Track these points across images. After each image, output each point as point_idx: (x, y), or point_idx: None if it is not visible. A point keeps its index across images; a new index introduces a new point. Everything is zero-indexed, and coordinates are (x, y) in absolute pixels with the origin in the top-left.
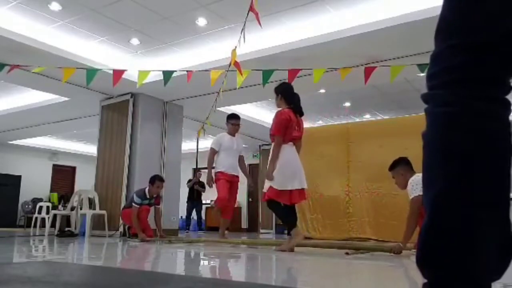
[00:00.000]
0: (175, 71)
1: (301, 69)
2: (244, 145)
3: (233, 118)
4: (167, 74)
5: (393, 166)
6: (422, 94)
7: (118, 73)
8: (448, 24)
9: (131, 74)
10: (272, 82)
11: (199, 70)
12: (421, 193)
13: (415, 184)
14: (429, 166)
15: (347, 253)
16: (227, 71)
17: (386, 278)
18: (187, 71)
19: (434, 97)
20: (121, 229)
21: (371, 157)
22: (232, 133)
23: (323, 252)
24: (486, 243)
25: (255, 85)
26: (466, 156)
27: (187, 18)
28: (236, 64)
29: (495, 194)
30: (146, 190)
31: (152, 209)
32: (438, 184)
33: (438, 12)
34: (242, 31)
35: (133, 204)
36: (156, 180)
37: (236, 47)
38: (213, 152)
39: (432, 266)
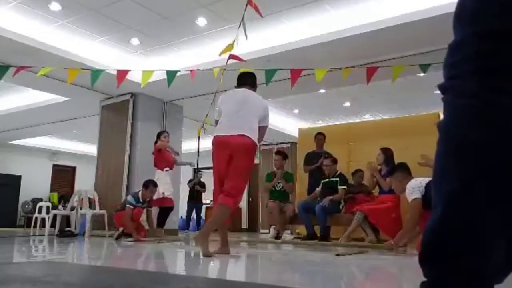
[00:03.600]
0: (179, 71)
1: (304, 69)
2: None
3: None
4: (171, 75)
5: (392, 172)
6: (440, 84)
7: (122, 74)
8: (474, 8)
9: (131, 74)
10: (275, 81)
11: (202, 70)
12: (418, 196)
13: (412, 187)
14: (444, 157)
15: (337, 255)
16: (225, 69)
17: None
18: (190, 70)
19: (454, 87)
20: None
21: (372, 157)
22: None
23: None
24: (497, 244)
25: None
26: (487, 152)
27: (187, 18)
28: (234, 56)
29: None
30: (140, 193)
31: (144, 210)
32: (453, 178)
33: (438, 12)
34: (240, 25)
35: (127, 205)
36: (150, 185)
37: (234, 41)
38: None
39: (438, 265)
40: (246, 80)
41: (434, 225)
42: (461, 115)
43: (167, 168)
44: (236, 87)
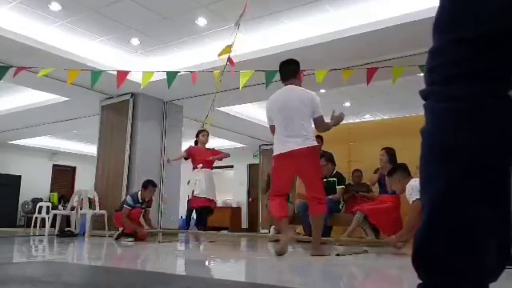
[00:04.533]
0: (179, 72)
1: (305, 70)
2: (244, 145)
3: None
4: (171, 76)
5: (392, 173)
6: (421, 90)
7: (122, 75)
8: (450, 16)
9: (131, 74)
10: (276, 81)
11: (202, 71)
12: (418, 196)
13: (412, 188)
14: (428, 161)
15: (337, 255)
16: (224, 70)
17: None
18: (191, 72)
19: (435, 92)
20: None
21: (372, 157)
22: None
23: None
24: (486, 244)
25: (255, 85)
26: (470, 152)
27: (187, 18)
28: (230, 60)
29: (497, 192)
30: (139, 193)
31: (142, 211)
32: (439, 180)
33: None
34: (237, 28)
35: (125, 205)
36: (149, 185)
37: (233, 43)
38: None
39: (429, 267)
40: (287, 73)
41: (423, 226)
42: (447, 119)
43: (195, 166)
44: (282, 81)
